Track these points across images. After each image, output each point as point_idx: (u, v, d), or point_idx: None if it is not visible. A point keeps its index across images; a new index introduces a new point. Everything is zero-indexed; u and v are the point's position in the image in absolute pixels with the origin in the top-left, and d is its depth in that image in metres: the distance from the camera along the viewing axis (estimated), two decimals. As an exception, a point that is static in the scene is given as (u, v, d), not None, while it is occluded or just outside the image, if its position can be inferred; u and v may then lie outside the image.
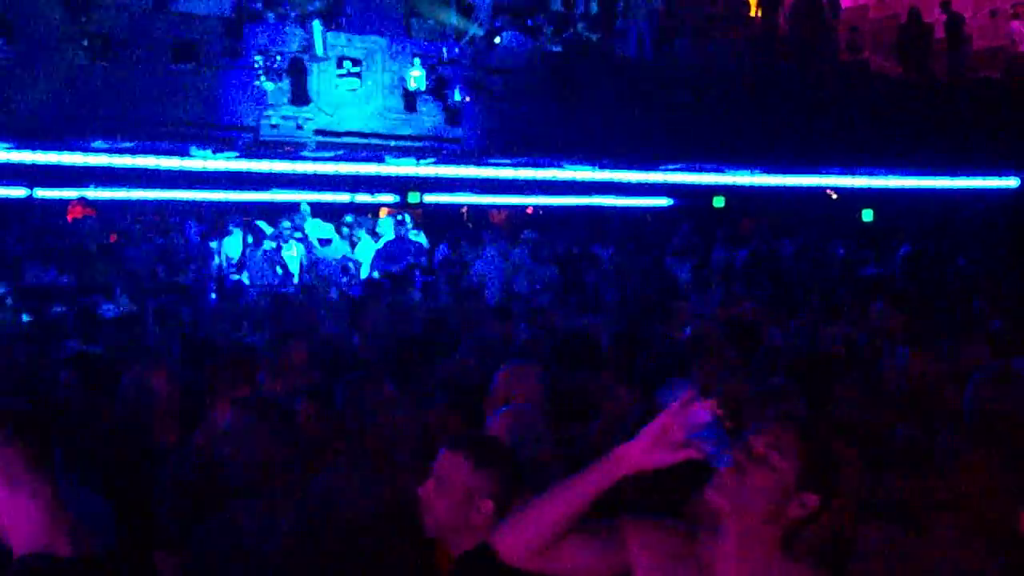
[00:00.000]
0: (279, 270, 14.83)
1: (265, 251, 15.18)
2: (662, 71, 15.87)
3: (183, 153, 13.52)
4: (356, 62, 13.47)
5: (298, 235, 16.24)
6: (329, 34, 13.13)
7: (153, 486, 4.25)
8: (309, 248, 15.95)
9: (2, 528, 2.70)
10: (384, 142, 13.97)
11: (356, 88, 13.49)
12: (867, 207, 19.52)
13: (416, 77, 13.64)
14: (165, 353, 7.91)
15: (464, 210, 21.01)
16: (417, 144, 14.16)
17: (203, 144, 13.28)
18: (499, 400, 4.80)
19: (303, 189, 16.66)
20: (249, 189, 16.30)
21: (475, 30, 14.89)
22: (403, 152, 14.35)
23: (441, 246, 16.98)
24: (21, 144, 12.64)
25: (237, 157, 13.89)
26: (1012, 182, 18.91)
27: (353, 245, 16.95)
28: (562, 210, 20.45)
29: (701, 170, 17.34)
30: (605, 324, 9.53)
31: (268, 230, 15.83)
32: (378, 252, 16.28)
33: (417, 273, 15.14)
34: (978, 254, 17.94)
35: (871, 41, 18.80)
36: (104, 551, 2.78)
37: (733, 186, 18.07)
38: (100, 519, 3.53)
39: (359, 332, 8.66)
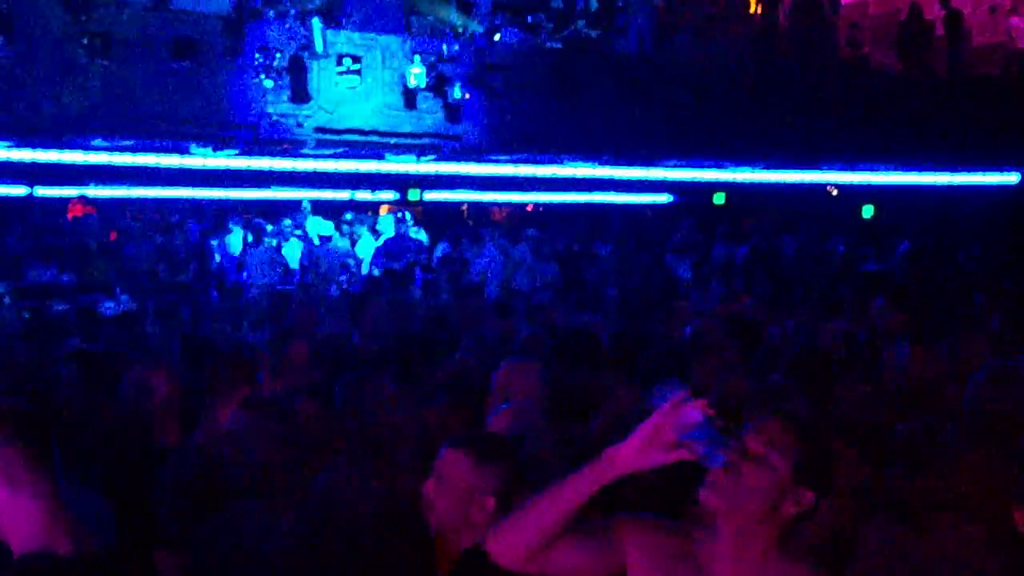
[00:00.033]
0: (280, 268, 14.83)
1: (266, 249, 15.19)
2: (662, 68, 15.84)
3: (183, 151, 13.51)
4: (356, 59, 13.46)
5: (298, 232, 16.27)
6: (329, 31, 13.12)
7: (153, 486, 4.24)
8: (309, 245, 15.95)
9: (2, 527, 2.70)
10: (384, 139, 13.95)
11: (356, 85, 13.47)
12: (867, 203, 19.52)
13: (416, 74, 13.63)
14: (165, 352, 7.92)
15: (464, 207, 21.02)
16: (417, 141, 14.15)
17: (203, 142, 13.27)
18: (499, 398, 4.81)
19: (303, 187, 16.67)
20: (249, 187, 16.31)
21: (475, 27, 14.88)
22: (403, 149, 14.34)
23: (441, 243, 16.98)
24: (21, 142, 12.63)
25: (237, 155, 13.88)
26: (1012, 178, 18.89)
27: (353, 243, 16.95)
28: (562, 207, 20.45)
29: (701, 166, 17.34)
30: (605, 322, 9.54)
31: (268, 228, 15.85)
32: (378, 250, 16.28)
33: (418, 271, 15.15)
34: (978, 250, 17.94)
35: (871, 37, 18.78)
36: (104, 550, 2.78)
37: (733, 182, 18.07)
38: (100, 518, 3.54)
39: (360, 330, 8.66)
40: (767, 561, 2.60)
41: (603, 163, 16.51)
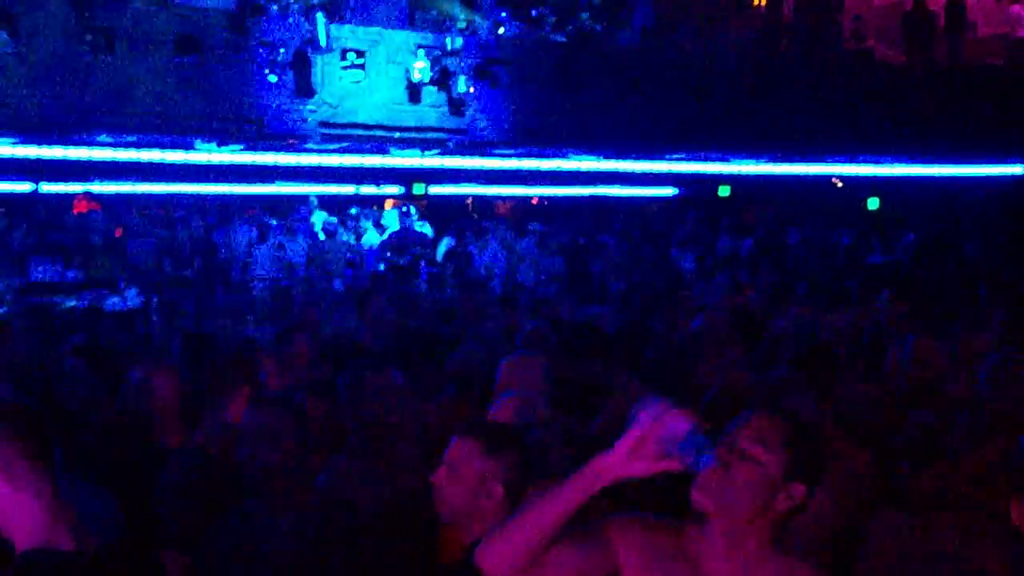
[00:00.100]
0: (284, 264, 14.84)
1: (270, 245, 15.20)
2: (667, 61, 15.82)
3: (187, 146, 13.53)
4: (360, 54, 13.46)
5: (303, 227, 16.28)
6: (332, 26, 13.11)
7: (153, 486, 4.24)
8: (314, 240, 15.97)
9: (4, 525, 2.70)
10: (388, 134, 13.95)
11: (360, 80, 13.48)
12: (872, 195, 19.50)
13: (420, 68, 13.62)
14: (167, 348, 7.91)
15: (469, 201, 21.02)
16: (421, 136, 14.15)
17: (207, 137, 13.28)
18: (503, 391, 4.81)
19: (308, 181, 16.68)
20: (254, 182, 16.32)
21: (479, 21, 14.87)
22: (408, 144, 14.34)
23: (446, 237, 16.98)
24: (25, 139, 12.65)
25: (241, 150, 13.90)
26: (1017, 169, 18.87)
27: (358, 237, 16.96)
28: (567, 201, 20.45)
29: (706, 159, 17.33)
30: (610, 315, 9.54)
31: (273, 223, 15.86)
32: (383, 244, 16.29)
33: (423, 265, 15.16)
34: (983, 241, 17.92)
35: (875, 29, 18.74)
36: (106, 547, 2.78)
37: (738, 175, 18.06)
38: (104, 514, 3.54)
39: (365, 324, 8.66)
40: (761, 556, 2.58)
41: (608, 156, 16.50)
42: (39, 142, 12.81)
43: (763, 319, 8.25)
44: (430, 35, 14.02)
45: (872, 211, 19.49)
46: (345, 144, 14.14)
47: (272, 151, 14.23)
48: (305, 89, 13.04)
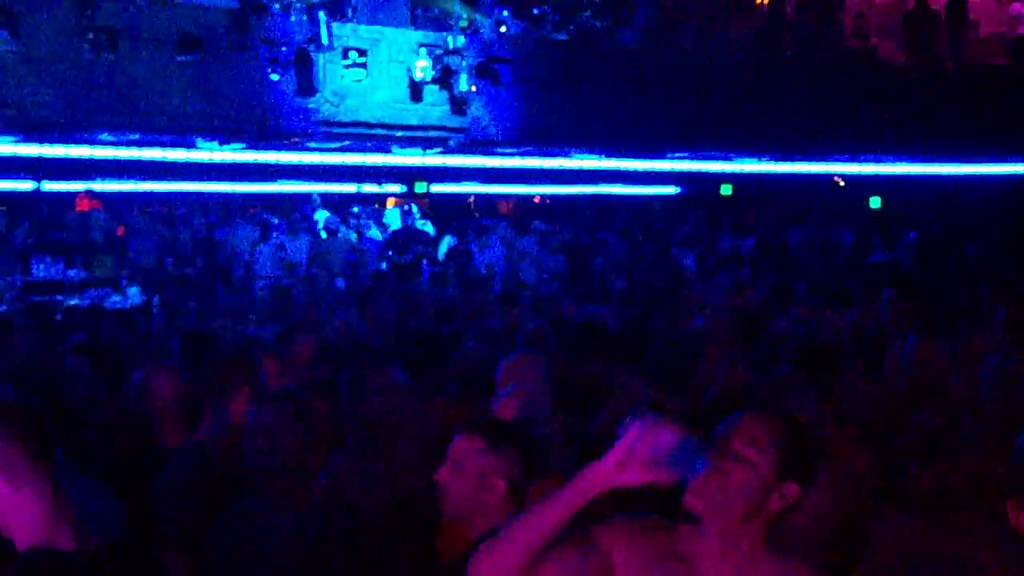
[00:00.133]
0: (285, 262, 14.85)
1: (272, 244, 15.21)
2: (669, 59, 15.81)
3: (189, 145, 13.53)
4: (362, 52, 13.46)
5: (305, 225, 16.29)
6: (334, 24, 13.11)
7: (154, 487, 4.24)
8: (316, 239, 15.98)
9: (5, 524, 2.71)
10: (390, 132, 13.95)
11: (362, 78, 13.48)
12: (874, 194, 19.49)
13: (422, 67, 13.62)
14: (169, 347, 7.91)
15: (471, 200, 21.03)
16: (423, 134, 14.15)
17: (209, 136, 13.28)
18: (503, 390, 4.82)
19: (309, 180, 16.68)
20: (255, 180, 16.33)
21: (481, 19, 14.86)
22: (409, 142, 14.35)
23: (448, 235, 16.99)
24: (28, 137, 12.66)
25: (243, 148, 13.91)
26: (1019, 168, 18.86)
27: (360, 236, 16.97)
28: (569, 199, 20.46)
29: (708, 158, 17.33)
30: (612, 313, 9.55)
31: (275, 221, 15.86)
32: (385, 242, 16.30)
33: (424, 263, 15.17)
34: (986, 241, 17.90)
35: (878, 28, 18.73)
36: (107, 546, 2.79)
37: (740, 174, 18.05)
38: (106, 512, 3.54)
39: (368, 322, 8.66)
40: (755, 556, 2.58)
41: (610, 155, 16.50)
42: (41, 140, 12.82)
43: (763, 319, 8.25)
44: (432, 34, 14.01)
45: (874, 210, 19.48)
46: (347, 143, 14.14)
47: (274, 150, 14.24)
48: (307, 88, 13.04)
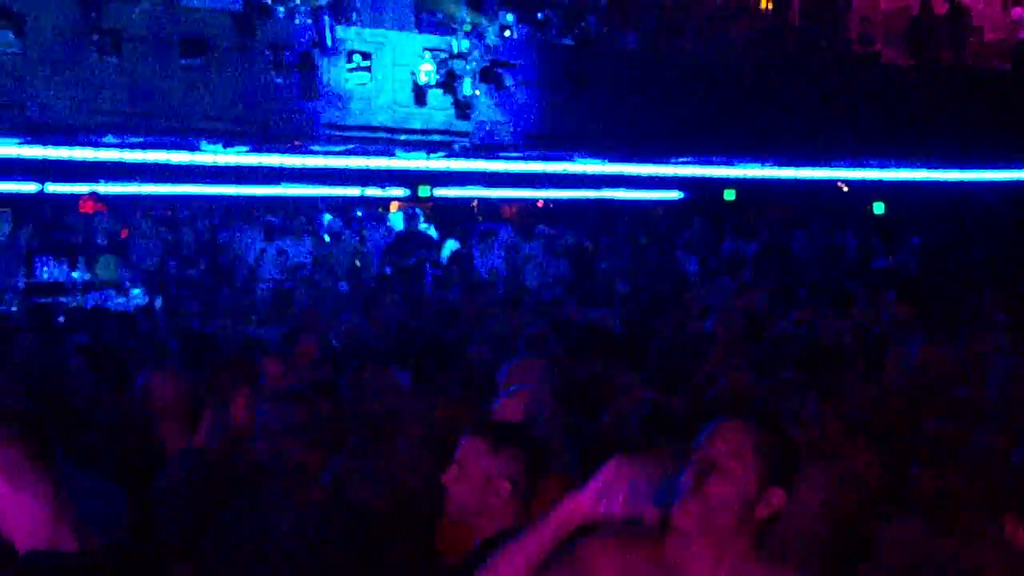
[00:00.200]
0: (289, 265, 14.86)
1: (275, 246, 15.22)
2: (672, 64, 15.82)
3: (193, 148, 13.53)
4: (366, 56, 13.46)
5: (309, 228, 16.30)
6: (339, 28, 13.12)
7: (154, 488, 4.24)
8: (320, 242, 15.99)
9: (6, 526, 2.71)
10: (394, 136, 13.96)
11: (366, 82, 13.48)
12: (878, 199, 19.47)
13: (426, 71, 13.62)
14: (171, 349, 7.92)
15: (475, 204, 21.02)
16: (427, 138, 14.16)
17: (213, 138, 13.29)
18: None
19: (313, 183, 16.69)
20: (259, 183, 16.33)
21: (485, 23, 14.87)
22: (413, 146, 14.35)
23: (450, 239, 17.00)
24: (32, 140, 12.67)
25: (247, 151, 13.91)
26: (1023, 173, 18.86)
27: (364, 239, 16.97)
28: (573, 203, 20.45)
29: (712, 162, 17.32)
30: (615, 317, 9.54)
31: (277, 223, 15.88)
32: (389, 246, 16.30)
33: (428, 266, 15.17)
34: (989, 246, 17.89)
35: (882, 33, 18.73)
36: (109, 548, 2.79)
37: (744, 179, 18.04)
38: (108, 512, 3.54)
39: (372, 325, 8.68)
40: (744, 565, 2.55)
41: (613, 159, 16.50)
42: (45, 142, 12.83)
43: (764, 321, 8.25)
44: (436, 37, 14.02)
45: (878, 215, 19.46)
46: (351, 146, 14.15)
47: (278, 153, 14.25)
48: (311, 91, 13.04)
